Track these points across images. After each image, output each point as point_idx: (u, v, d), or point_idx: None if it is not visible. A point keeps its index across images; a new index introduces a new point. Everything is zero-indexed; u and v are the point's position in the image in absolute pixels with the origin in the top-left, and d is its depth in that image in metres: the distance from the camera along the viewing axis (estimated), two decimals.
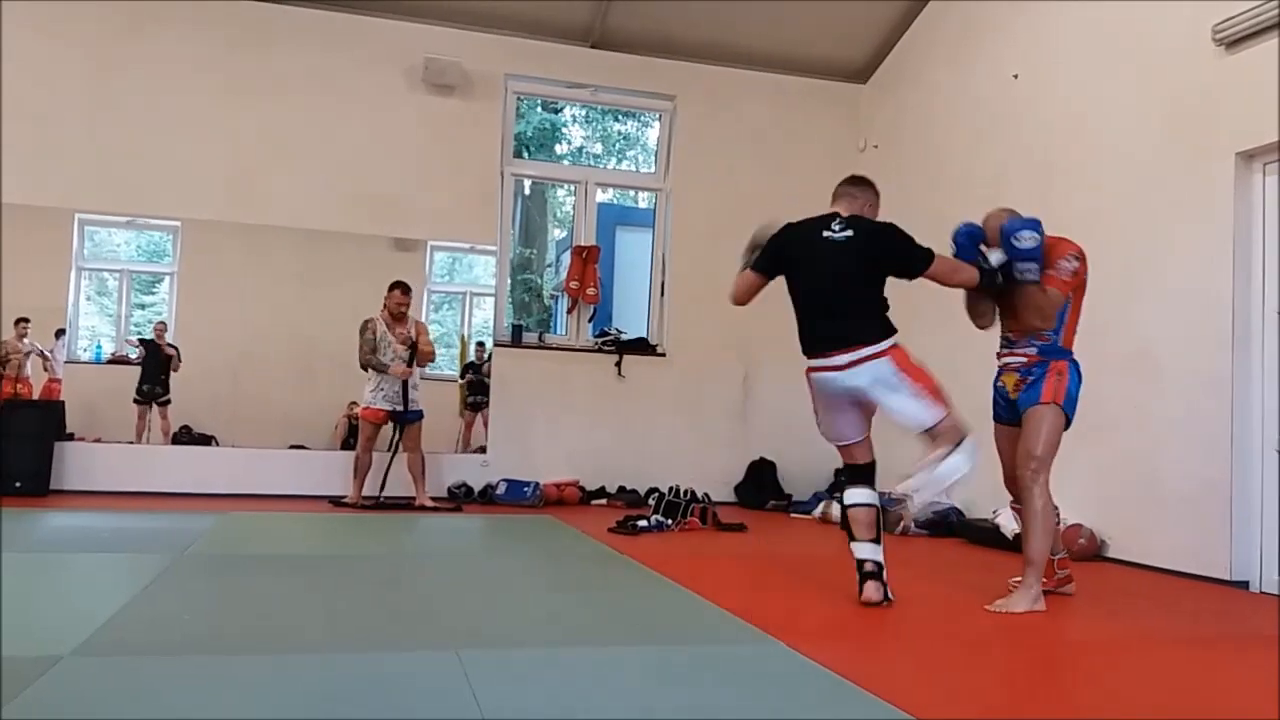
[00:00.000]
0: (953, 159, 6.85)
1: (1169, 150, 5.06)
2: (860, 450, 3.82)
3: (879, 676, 2.60)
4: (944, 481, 3.49)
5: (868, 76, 8.08)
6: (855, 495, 3.76)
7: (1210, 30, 4.75)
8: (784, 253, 3.87)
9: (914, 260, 3.67)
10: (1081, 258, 3.80)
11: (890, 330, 3.65)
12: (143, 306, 7.41)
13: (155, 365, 7.08)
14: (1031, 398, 3.80)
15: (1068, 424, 3.82)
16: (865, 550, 3.69)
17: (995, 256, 3.78)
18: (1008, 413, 3.96)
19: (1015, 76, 6.29)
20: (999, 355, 4.00)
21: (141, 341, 7.14)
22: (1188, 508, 4.79)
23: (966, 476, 3.52)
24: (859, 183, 3.92)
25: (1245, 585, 4.55)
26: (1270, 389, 4.55)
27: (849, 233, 3.69)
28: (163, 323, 7.17)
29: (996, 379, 4.02)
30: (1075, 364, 3.86)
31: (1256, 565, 4.54)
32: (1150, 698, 2.68)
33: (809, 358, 3.78)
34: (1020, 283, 3.78)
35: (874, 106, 8.03)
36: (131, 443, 6.95)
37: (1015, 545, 5.36)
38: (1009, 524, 5.51)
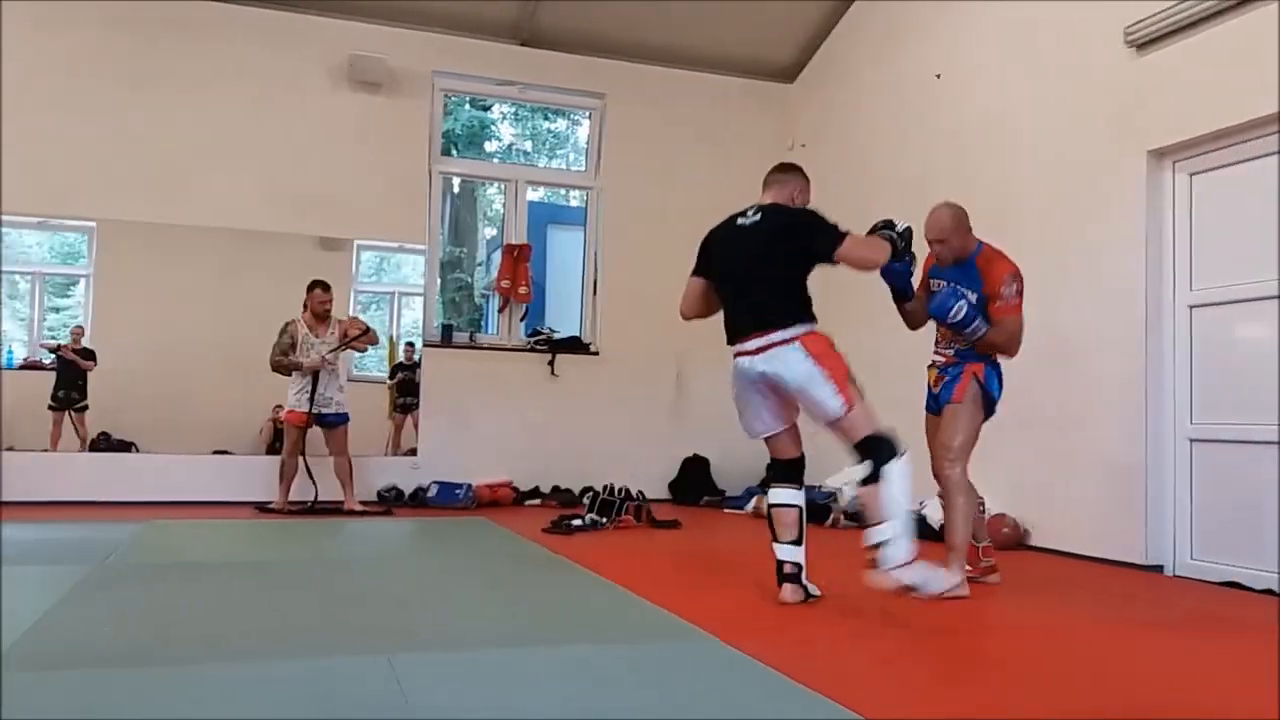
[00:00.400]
0: (878, 157, 6.97)
1: (1084, 149, 5.21)
2: (784, 443, 3.71)
3: (815, 671, 2.62)
4: (899, 510, 3.33)
5: (795, 76, 8.17)
6: (779, 494, 3.71)
7: (1122, 32, 4.90)
8: (708, 249, 3.89)
9: (821, 236, 3.52)
10: (1018, 280, 3.90)
11: (806, 316, 3.53)
12: (57, 310, 7.17)
13: (71, 370, 6.86)
14: (948, 395, 3.99)
15: (987, 416, 3.99)
16: (785, 552, 3.64)
17: (902, 225, 3.69)
18: (932, 405, 4.14)
19: (938, 76, 6.41)
20: (934, 350, 4.18)
21: (56, 349, 6.90)
22: (1105, 496, 4.94)
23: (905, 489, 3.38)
24: (787, 169, 3.86)
25: (1160, 569, 4.71)
26: (1182, 380, 4.72)
27: (758, 217, 3.66)
28: (80, 327, 6.96)
29: (928, 373, 4.19)
30: (994, 362, 3.99)
31: (1170, 550, 4.71)
32: (1084, 680, 2.75)
33: (731, 346, 3.70)
34: (986, 341, 3.89)
35: (801, 106, 8.12)
36: (46, 450, 6.72)
37: (942, 535, 5.48)
38: (935, 514, 5.62)
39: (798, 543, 3.64)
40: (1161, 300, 4.80)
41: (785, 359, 3.46)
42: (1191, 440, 4.66)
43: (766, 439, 3.75)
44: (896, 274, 3.85)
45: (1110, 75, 5.05)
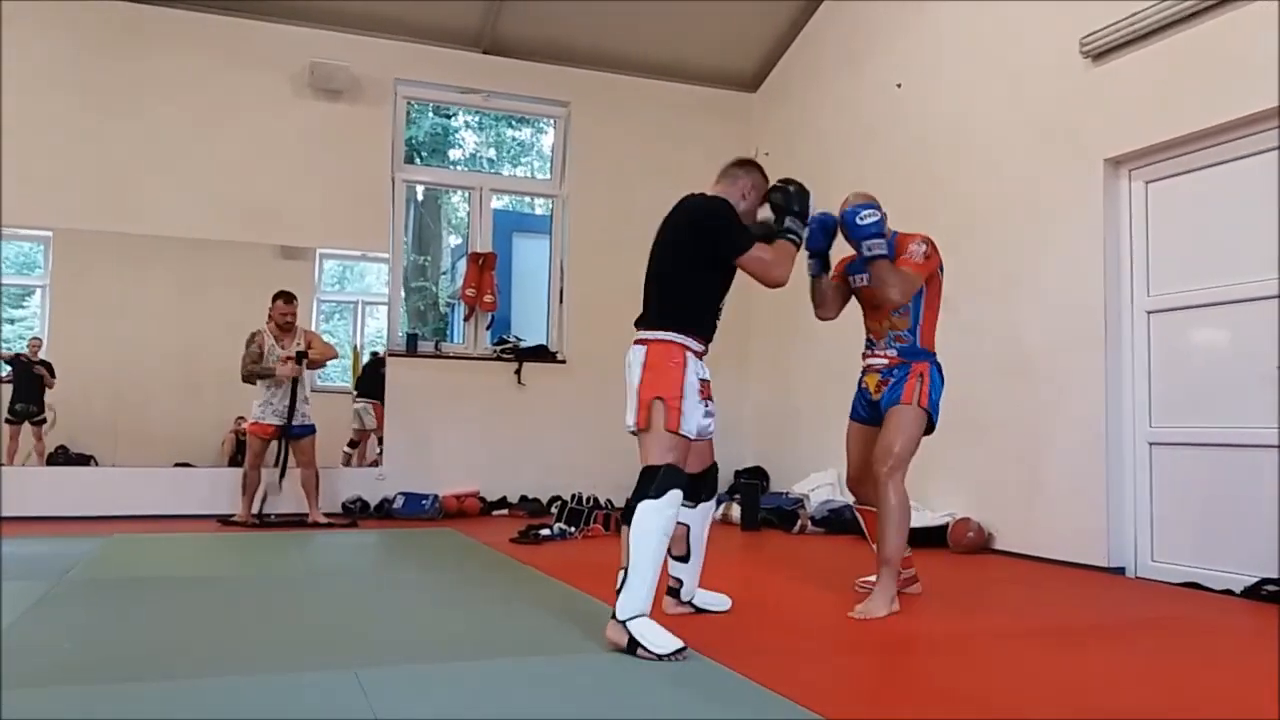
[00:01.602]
0: (841, 166, 7.01)
1: (1042, 157, 5.29)
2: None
3: (783, 677, 2.63)
4: (640, 555, 2.98)
5: (758, 85, 8.22)
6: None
7: (1078, 43, 4.98)
8: None
9: (721, 242, 3.25)
10: (930, 244, 3.78)
11: (670, 324, 3.24)
12: (12, 321, 7.04)
13: (28, 383, 6.73)
14: (894, 398, 3.77)
15: (931, 428, 3.80)
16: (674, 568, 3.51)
17: (791, 198, 3.49)
18: (867, 412, 3.91)
19: (899, 86, 6.48)
20: (863, 356, 3.97)
21: (13, 360, 6.77)
22: (1067, 500, 5.01)
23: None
24: (742, 164, 3.60)
25: (1122, 571, 4.78)
26: (1140, 384, 4.80)
27: (677, 204, 3.42)
28: (37, 338, 6.83)
29: (860, 379, 3.96)
30: (937, 365, 3.85)
31: (1132, 552, 4.78)
32: (1050, 684, 2.79)
33: None
34: (870, 259, 3.71)
35: (765, 115, 8.17)
36: (2, 465, 6.59)
37: (908, 541, 5.52)
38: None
39: (684, 559, 3.52)
40: (1120, 306, 4.89)
41: (630, 354, 3.28)
42: (1151, 443, 4.74)
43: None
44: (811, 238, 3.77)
45: (1067, 85, 5.14)
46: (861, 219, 3.71)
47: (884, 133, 6.63)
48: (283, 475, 6.48)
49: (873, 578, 3.77)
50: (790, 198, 3.47)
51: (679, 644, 2.84)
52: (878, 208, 3.78)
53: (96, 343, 6.89)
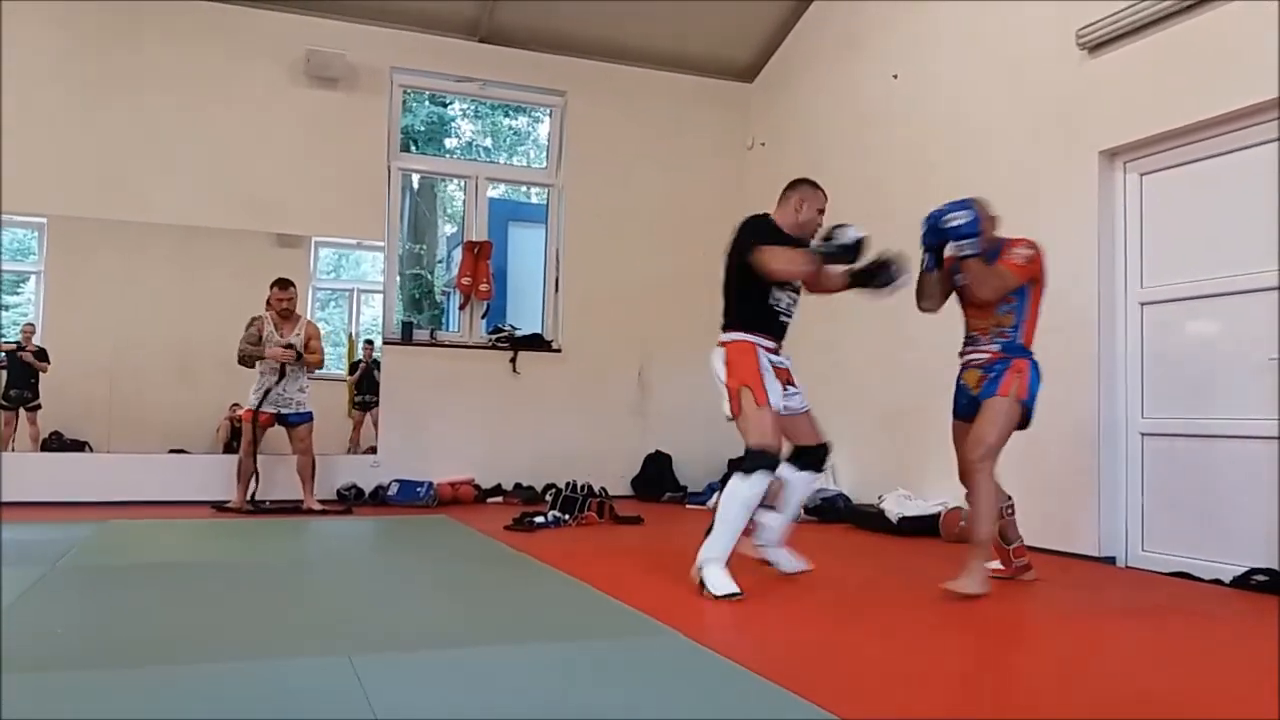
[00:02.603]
0: (836, 156, 7.02)
1: (1038, 149, 5.30)
2: (792, 433, 3.95)
3: (777, 665, 2.65)
4: (722, 527, 3.60)
5: (754, 75, 8.21)
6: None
7: (1074, 35, 4.99)
8: None
9: (743, 249, 3.78)
10: (1034, 248, 3.87)
11: (737, 326, 3.81)
12: (6, 307, 7.02)
13: (23, 369, 6.72)
14: (991, 391, 3.84)
15: (1026, 422, 3.87)
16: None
17: (850, 233, 3.78)
18: (969, 409, 3.95)
19: (895, 77, 6.49)
20: (961, 354, 4.04)
21: (11, 349, 6.76)
22: (1058, 489, 5.03)
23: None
24: (792, 184, 4.02)
25: (1112, 560, 4.81)
26: (1133, 375, 4.82)
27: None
28: (30, 325, 6.82)
29: (960, 376, 4.02)
30: (1035, 363, 3.90)
31: (1123, 541, 4.81)
32: (1049, 673, 2.81)
33: None
34: (963, 258, 3.84)
35: (761, 105, 8.17)
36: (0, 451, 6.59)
37: (900, 529, 5.56)
38: (895, 509, 5.71)
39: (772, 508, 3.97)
40: (1114, 298, 4.90)
41: (712, 361, 3.84)
42: (1143, 434, 4.77)
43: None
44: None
45: (1062, 77, 5.14)
46: (945, 221, 3.83)
47: (880, 123, 6.63)
48: (255, 457, 6.42)
49: (992, 564, 3.99)
50: (831, 232, 3.84)
51: (734, 590, 3.47)
52: (972, 208, 3.84)
53: (92, 329, 6.88)
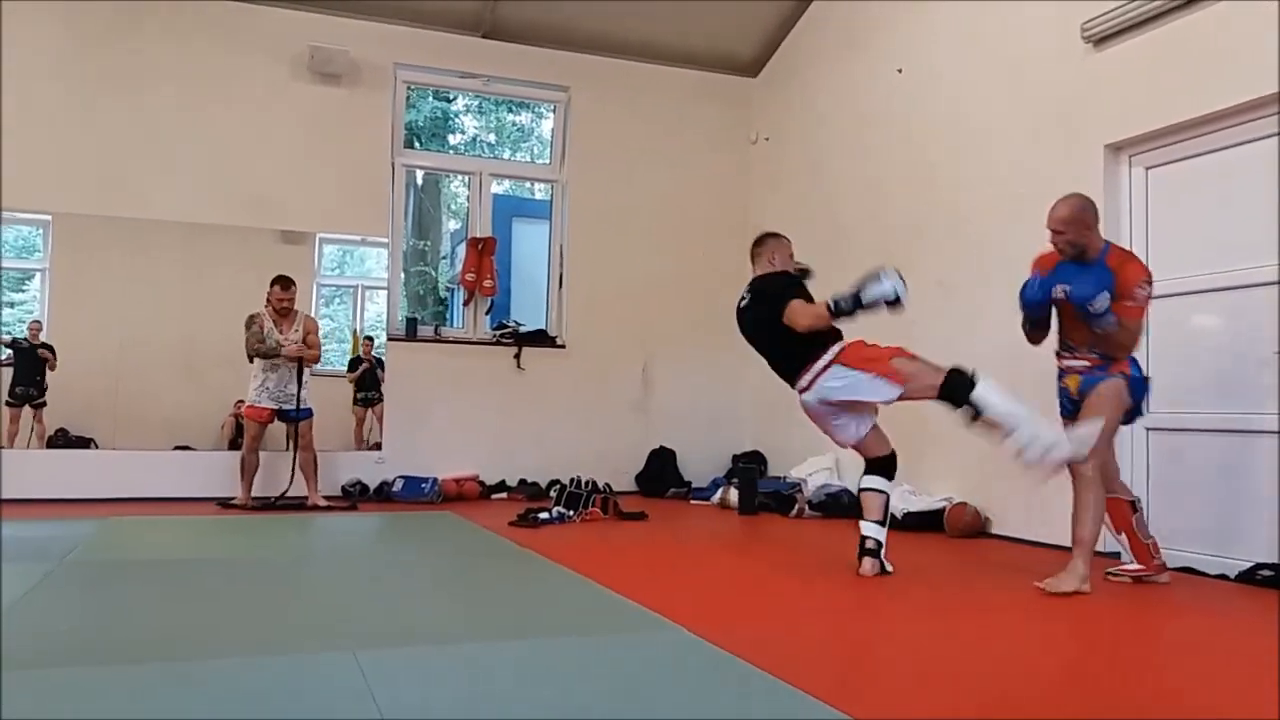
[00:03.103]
0: (840, 151, 7.02)
1: (1042, 143, 5.28)
2: (869, 445, 4.23)
3: (783, 660, 2.64)
4: (1016, 417, 3.72)
5: (758, 71, 8.20)
6: (868, 481, 4.19)
7: (1079, 28, 4.97)
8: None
9: (779, 308, 4.10)
10: (1150, 282, 3.85)
11: (827, 342, 4.06)
12: (12, 305, 7.04)
13: (29, 366, 6.74)
14: (1091, 383, 3.89)
15: (1134, 414, 3.95)
16: (868, 529, 4.08)
17: (872, 291, 3.90)
18: (1073, 412, 3.99)
19: (899, 71, 6.47)
20: (1059, 358, 4.07)
21: (13, 343, 6.78)
22: (1064, 484, 5.00)
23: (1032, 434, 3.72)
24: (760, 241, 4.41)
25: (1117, 556, 4.79)
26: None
27: (748, 298, 4.30)
28: (37, 321, 6.83)
29: (1061, 381, 4.07)
30: (1135, 361, 3.94)
31: None
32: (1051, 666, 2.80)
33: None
34: (1112, 332, 3.82)
35: (764, 100, 8.15)
36: (3, 447, 6.60)
37: (905, 524, 5.55)
38: (899, 504, 5.69)
39: (881, 523, 4.08)
40: None
41: (828, 380, 4.04)
42: (1148, 429, 4.75)
43: (854, 445, 4.28)
44: (1033, 304, 3.97)
45: (1068, 71, 5.13)
46: (1093, 307, 3.73)
47: (884, 118, 6.61)
48: (294, 464, 6.51)
49: (1133, 566, 4.03)
50: (864, 282, 3.98)
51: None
52: (1104, 284, 3.74)
53: (96, 326, 6.90)
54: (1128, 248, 4.86)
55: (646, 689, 2.45)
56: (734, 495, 6.72)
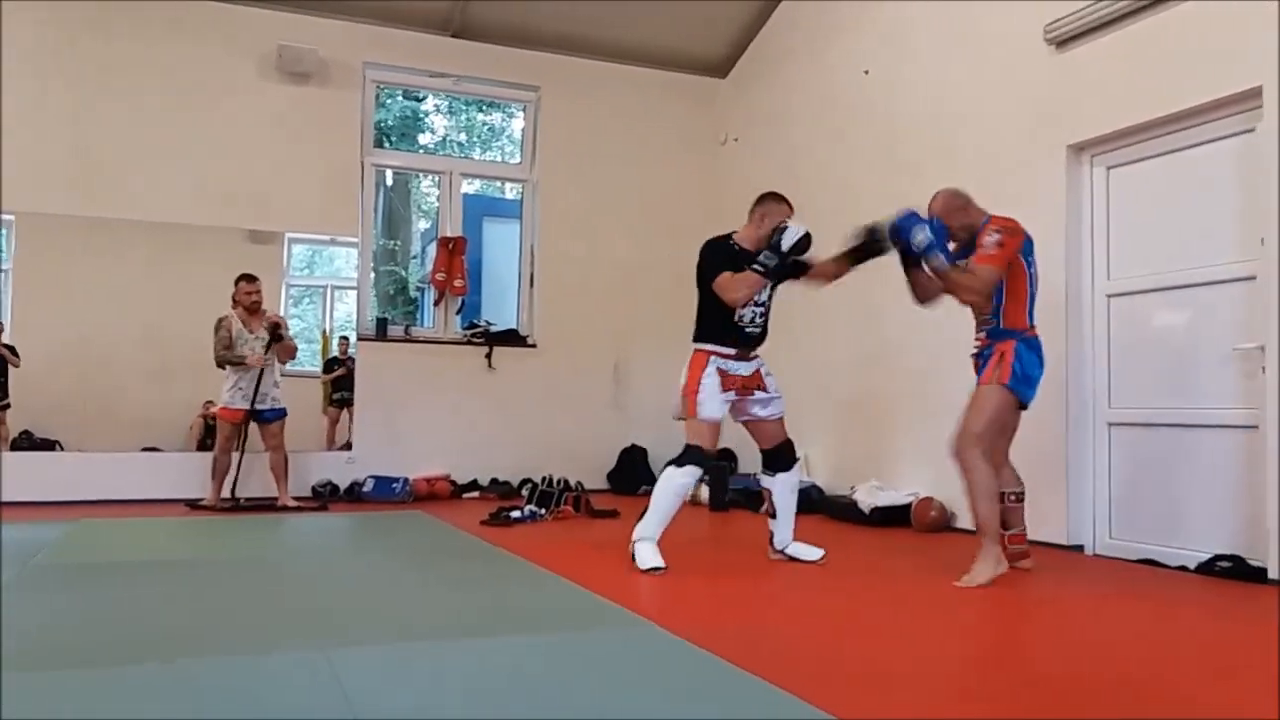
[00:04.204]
0: (809, 152, 7.07)
1: (1006, 143, 5.35)
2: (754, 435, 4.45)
3: (755, 655, 2.66)
4: (654, 509, 4.12)
5: (727, 71, 8.24)
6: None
7: (1043, 29, 5.05)
8: None
9: (703, 274, 4.21)
10: (1005, 230, 3.87)
11: (697, 337, 4.26)
12: None
13: None
14: (978, 379, 3.99)
15: (1023, 403, 3.98)
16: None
17: (789, 236, 4.02)
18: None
19: (866, 73, 6.53)
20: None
21: None
22: (1028, 479, 5.08)
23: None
24: (760, 198, 4.30)
25: (1080, 549, 4.89)
26: (1100, 367, 4.89)
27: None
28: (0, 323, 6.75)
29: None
30: (1026, 342, 3.94)
31: (1090, 530, 4.88)
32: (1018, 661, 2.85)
33: None
34: (938, 273, 3.93)
35: (733, 100, 8.20)
36: None
37: (872, 519, 5.61)
38: (866, 499, 5.76)
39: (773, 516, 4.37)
40: (1080, 290, 4.97)
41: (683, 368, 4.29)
42: (1110, 424, 4.84)
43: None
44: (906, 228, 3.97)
45: (1031, 72, 5.20)
46: (916, 244, 3.89)
47: (852, 119, 6.67)
48: (241, 458, 6.44)
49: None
50: (772, 235, 4.10)
51: (658, 564, 3.94)
52: (919, 218, 3.92)
53: (62, 327, 6.83)
54: (1088, 244, 4.95)
55: (620, 685, 2.47)
56: (705, 492, 6.75)
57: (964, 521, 5.47)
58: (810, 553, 4.33)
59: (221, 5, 7.05)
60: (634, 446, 7.81)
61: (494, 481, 7.37)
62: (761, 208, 4.23)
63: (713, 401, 4.16)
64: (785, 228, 4.05)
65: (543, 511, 5.94)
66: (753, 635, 3.05)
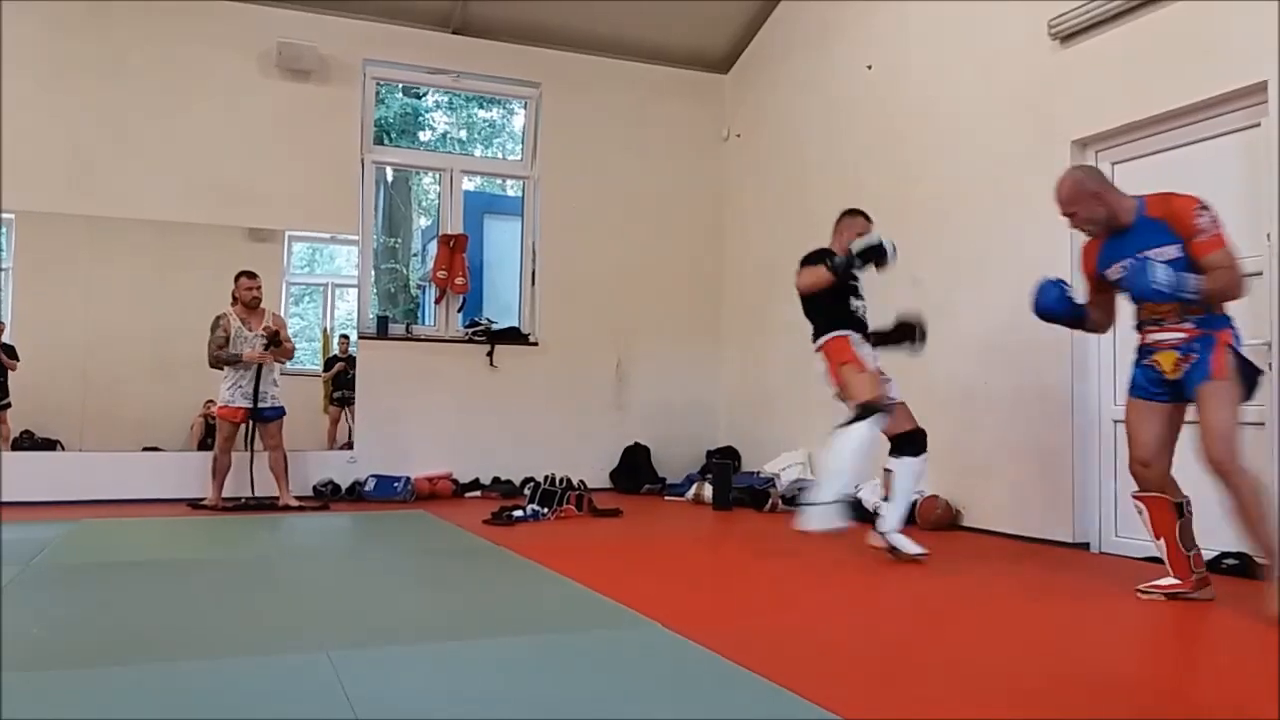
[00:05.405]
0: (812, 147, 7.05)
1: (1010, 138, 5.33)
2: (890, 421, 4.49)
3: (758, 655, 2.65)
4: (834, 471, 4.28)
5: (729, 67, 8.21)
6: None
7: (1047, 24, 5.02)
8: None
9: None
10: (1206, 207, 3.37)
11: (822, 329, 4.49)
12: None
13: None
14: (1201, 374, 3.33)
15: (1251, 391, 3.38)
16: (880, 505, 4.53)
17: (869, 240, 4.30)
18: (1164, 392, 3.48)
19: (869, 68, 6.50)
20: (1144, 331, 3.55)
21: None
22: (1034, 477, 5.08)
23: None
24: (842, 214, 4.71)
25: (1086, 546, 4.86)
26: (1105, 363, 4.86)
27: None
28: (0, 322, 6.73)
29: (1146, 360, 3.53)
30: (1235, 332, 3.42)
31: (1096, 527, 4.86)
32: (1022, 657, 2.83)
33: None
34: (1202, 293, 3.32)
35: (736, 96, 8.17)
36: None
37: (877, 516, 5.58)
38: (871, 498, 5.73)
39: (886, 499, 4.45)
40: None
41: (816, 364, 4.56)
42: (1116, 421, 4.80)
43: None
44: (1049, 313, 3.87)
45: (1035, 67, 5.17)
46: (1158, 286, 3.31)
47: (855, 114, 6.65)
48: (252, 457, 6.44)
49: (1167, 580, 3.54)
50: (851, 254, 4.36)
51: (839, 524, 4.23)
52: (1148, 263, 3.35)
53: (62, 326, 6.80)
54: (1073, 239, 4.93)
55: (623, 686, 2.45)
56: (708, 491, 6.74)
57: (970, 519, 5.46)
58: (911, 547, 4.32)
59: (221, 3, 7.02)
60: (637, 445, 7.79)
61: (496, 480, 7.35)
62: (840, 224, 4.68)
63: (868, 359, 4.43)
64: (868, 237, 4.35)
65: (545, 511, 5.92)
66: (756, 634, 3.03)
